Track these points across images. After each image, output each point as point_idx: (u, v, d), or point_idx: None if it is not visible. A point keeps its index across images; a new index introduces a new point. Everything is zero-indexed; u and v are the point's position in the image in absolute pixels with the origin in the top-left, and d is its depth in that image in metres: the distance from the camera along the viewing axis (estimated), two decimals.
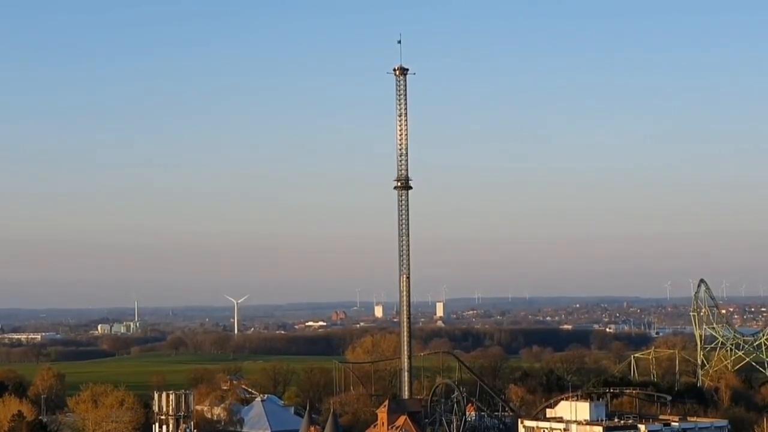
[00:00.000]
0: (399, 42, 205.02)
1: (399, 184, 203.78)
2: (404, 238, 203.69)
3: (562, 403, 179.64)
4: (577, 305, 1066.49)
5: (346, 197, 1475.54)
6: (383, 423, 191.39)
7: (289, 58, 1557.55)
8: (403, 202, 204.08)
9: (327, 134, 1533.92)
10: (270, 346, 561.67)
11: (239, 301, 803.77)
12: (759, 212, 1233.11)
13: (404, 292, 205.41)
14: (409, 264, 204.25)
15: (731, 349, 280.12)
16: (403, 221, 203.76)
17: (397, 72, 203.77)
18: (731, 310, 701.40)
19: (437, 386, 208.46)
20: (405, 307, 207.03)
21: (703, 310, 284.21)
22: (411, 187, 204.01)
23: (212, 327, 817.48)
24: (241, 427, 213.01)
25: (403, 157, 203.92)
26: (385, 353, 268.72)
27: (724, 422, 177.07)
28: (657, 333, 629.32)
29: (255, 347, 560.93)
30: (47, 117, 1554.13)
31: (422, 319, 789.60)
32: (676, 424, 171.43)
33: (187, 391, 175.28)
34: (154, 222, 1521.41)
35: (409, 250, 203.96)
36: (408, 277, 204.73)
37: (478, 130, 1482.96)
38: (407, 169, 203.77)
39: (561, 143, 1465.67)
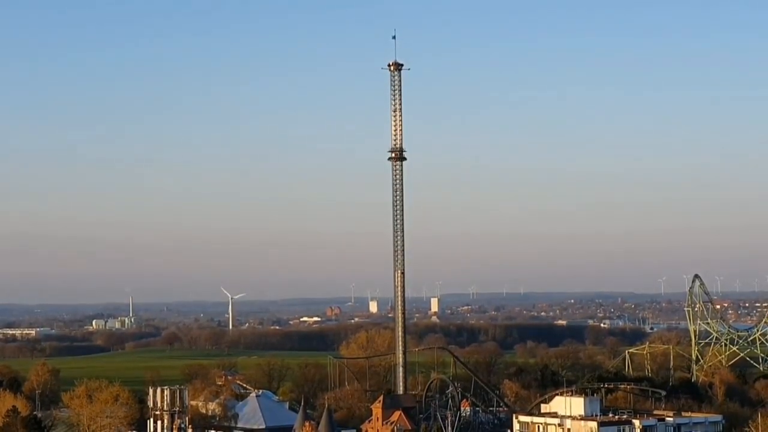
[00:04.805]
0: (393, 37, 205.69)
1: (393, 155, 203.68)
2: (399, 233, 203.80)
3: (557, 398, 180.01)
4: (572, 301, 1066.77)
5: (341, 193, 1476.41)
6: (378, 418, 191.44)
7: (283, 53, 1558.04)
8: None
9: (321, 130, 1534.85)
10: (265, 342, 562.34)
11: (235, 297, 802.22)
12: (753, 208, 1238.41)
13: (399, 288, 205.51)
14: (403, 259, 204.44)
15: (725, 345, 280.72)
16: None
17: (392, 67, 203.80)
18: (725, 305, 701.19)
19: (432, 382, 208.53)
20: (399, 303, 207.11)
21: (697, 306, 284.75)
22: (405, 158, 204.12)
23: (207, 322, 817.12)
24: (236, 423, 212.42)
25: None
26: (379, 349, 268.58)
27: (718, 417, 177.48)
28: (651, 328, 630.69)
29: (250, 343, 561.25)
30: (42, 113, 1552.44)
31: (417, 315, 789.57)
32: (671, 419, 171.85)
33: (182, 387, 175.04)
34: (149, 218, 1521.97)
35: (403, 245, 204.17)
36: (403, 273, 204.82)
37: (473, 125, 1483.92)
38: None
39: (556, 139, 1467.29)
